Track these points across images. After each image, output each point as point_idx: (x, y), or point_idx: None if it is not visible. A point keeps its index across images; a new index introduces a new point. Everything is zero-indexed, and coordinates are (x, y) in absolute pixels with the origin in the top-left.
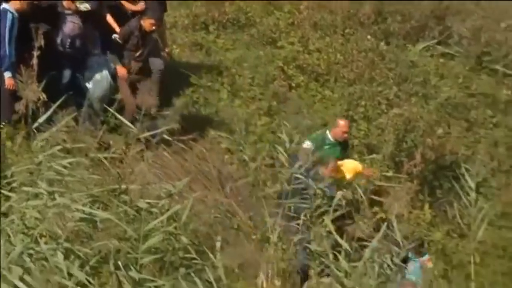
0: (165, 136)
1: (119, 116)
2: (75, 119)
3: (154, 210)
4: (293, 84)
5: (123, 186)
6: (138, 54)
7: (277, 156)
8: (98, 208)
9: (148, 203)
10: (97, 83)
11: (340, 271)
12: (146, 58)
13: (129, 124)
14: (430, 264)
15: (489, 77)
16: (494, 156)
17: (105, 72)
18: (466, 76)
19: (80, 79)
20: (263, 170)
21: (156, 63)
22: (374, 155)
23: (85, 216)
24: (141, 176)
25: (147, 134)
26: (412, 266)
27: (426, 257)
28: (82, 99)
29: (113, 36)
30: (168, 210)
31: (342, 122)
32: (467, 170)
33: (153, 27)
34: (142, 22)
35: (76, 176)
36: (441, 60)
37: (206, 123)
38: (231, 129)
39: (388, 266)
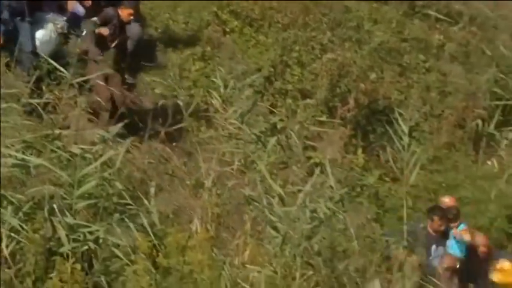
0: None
1: (51, 61)
2: (7, 65)
3: (88, 156)
4: (227, 30)
5: (57, 132)
6: (114, 44)
7: (211, 101)
8: (31, 154)
9: (82, 148)
10: (44, 43)
11: (273, 216)
12: (122, 47)
13: (62, 69)
14: (467, 237)
15: (422, 22)
16: (426, 100)
17: (53, 34)
18: (399, 21)
19: (19, 26)
20: (197, 115)
21: None
22: (308, 100)
23: (18, 162)
24: (74, 121)
25: (80, 79)
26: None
27: (462, 227)
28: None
29: (93, 19)
30: (102, 155)
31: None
32: (400, 114)
33: (131, 17)
34: (120, 11)
35: (9, 122)
36: (374, 5)
37: (140, 68)
38: (165, 74)
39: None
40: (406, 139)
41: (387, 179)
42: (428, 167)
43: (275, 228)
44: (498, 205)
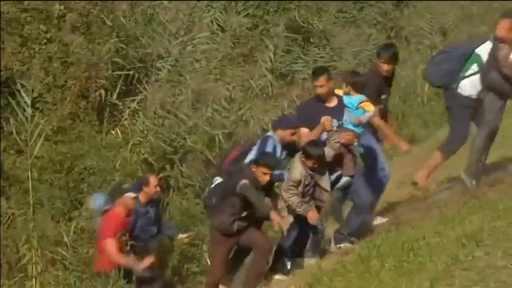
0: None
1: None
2: None
3: None
4: None
5: None
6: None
7: None
8: None
9: None
10: None
11: None
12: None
13: None
14: (368, 108)
15: None
16: (49, 71)
17: None
18: None
19: None
20: None
21: None
22: None
23: None
24: None
25: None
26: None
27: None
28: None
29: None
30: None
31: None
32: (22, 85)
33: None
34: None
35: None
36: None
37: None
38: None
39: None
40: (29, 110)
41: (12, 151)
42: (53, 138)
43: None
44: (123, 173)
